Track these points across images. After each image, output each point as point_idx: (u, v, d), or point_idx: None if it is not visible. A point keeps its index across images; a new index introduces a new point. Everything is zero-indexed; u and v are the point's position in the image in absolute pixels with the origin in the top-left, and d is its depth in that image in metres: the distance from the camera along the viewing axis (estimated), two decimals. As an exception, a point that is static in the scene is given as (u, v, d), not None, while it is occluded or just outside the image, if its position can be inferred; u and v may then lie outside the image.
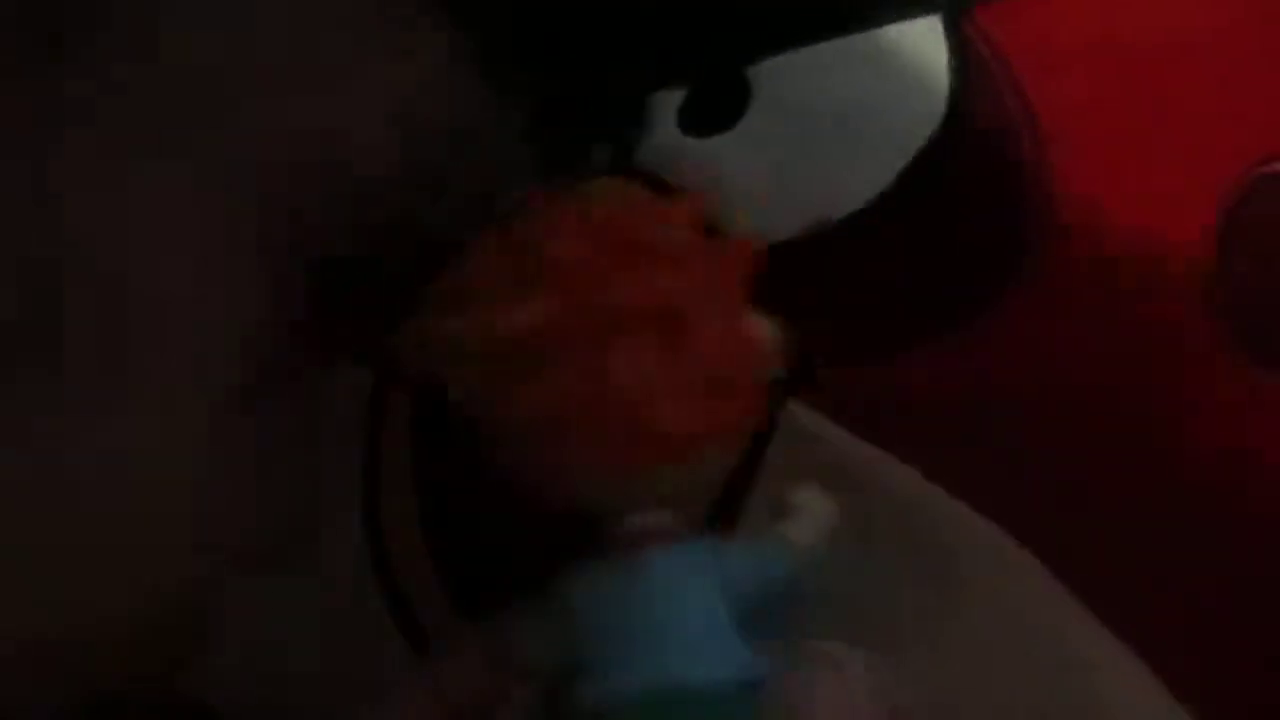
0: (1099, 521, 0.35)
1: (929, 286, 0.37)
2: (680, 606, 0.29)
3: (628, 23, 0.42)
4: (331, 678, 0.42)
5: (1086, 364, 0.36)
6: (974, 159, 0.38)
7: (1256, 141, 0.37)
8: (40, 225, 0.31)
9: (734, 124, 0.40)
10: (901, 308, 0.37)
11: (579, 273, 0.30)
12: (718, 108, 0.41)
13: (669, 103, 0.41)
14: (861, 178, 0.38)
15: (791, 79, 0.40)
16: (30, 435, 0.31)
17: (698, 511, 0.31)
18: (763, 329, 0.32)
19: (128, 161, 0.32)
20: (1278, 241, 0.36)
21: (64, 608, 0.32)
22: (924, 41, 0.39)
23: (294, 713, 0.43)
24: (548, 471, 0.30)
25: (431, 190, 0.35)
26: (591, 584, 0.30)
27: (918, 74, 0.39)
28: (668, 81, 0.42)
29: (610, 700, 0.29)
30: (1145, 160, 0.38)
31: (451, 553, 0.39)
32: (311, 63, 0.34)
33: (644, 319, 0.29)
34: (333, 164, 0.34)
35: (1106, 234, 0.37)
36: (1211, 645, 0.35)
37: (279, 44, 0.34)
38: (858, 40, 0.40)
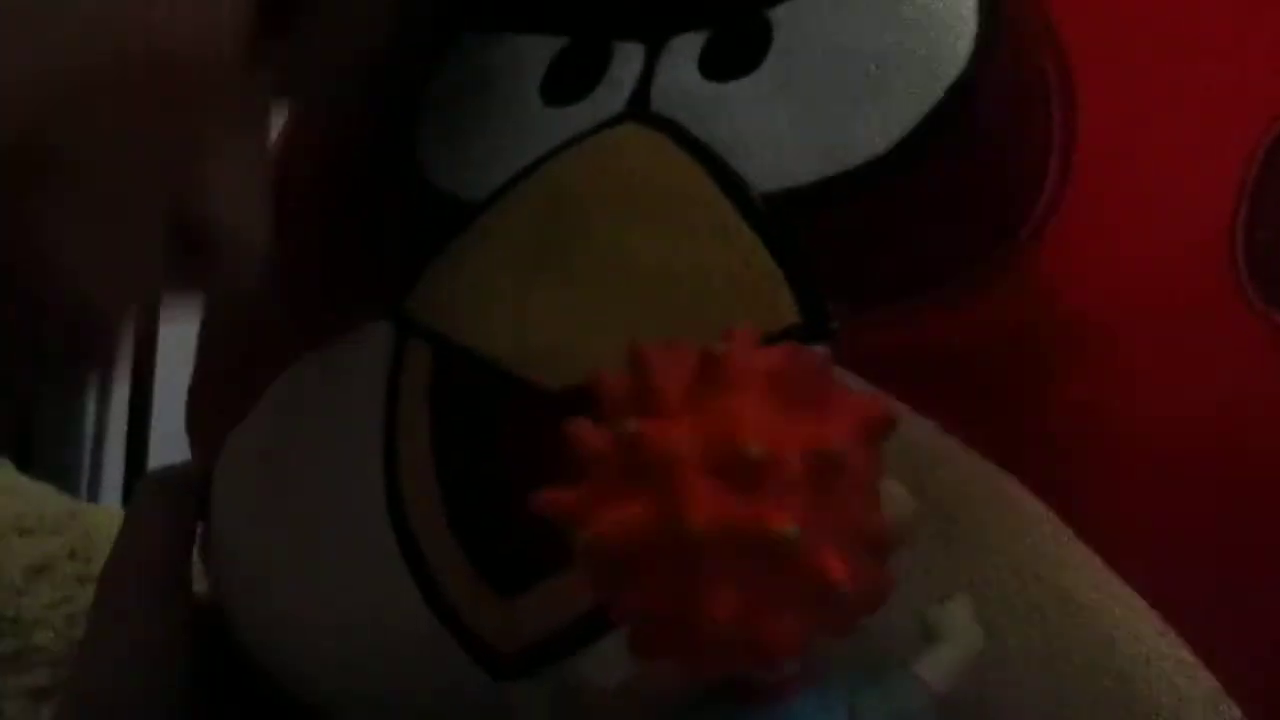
0: (1113, 472, 0.34)
1: (947, 236, 0.36)
2: None
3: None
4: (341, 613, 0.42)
5: (1106, 316, 0.35)
6: (998, 106, 0.37)
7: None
8: None
9: (754, 68, 0.40)
10: (919, 257, 0.36)
11: (673, 486, 0.27)
12: (738, 52, 0.40)
13: (691, 47, 0.41)
14: (883, 123, 0.37)
15: (812, 22, 0.39)
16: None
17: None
18: (894, 509, 0.29)
19: None
20: None
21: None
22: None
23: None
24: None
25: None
26: None
27: (943, 16, 0.38)
28: (688, 24, 0.41)
29: None
30: (1172, 108, 0.36)
31: (476, 523, 0.40)
32: None
33: (734, 546, 0.27)
34: None
35: (1129, 182, 0.36)
36: (1224, 594, 0.34)
37: None
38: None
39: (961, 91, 0.37)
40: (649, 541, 0.27)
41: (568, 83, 0.43)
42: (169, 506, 0.49)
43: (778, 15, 0.40)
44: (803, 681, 0.29)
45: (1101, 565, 0.33)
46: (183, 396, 0.90)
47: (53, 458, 1.07)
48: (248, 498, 0.46)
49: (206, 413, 0.52)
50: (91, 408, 1.07)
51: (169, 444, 0.95)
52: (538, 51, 0.44)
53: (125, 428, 0.96)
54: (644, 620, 0.29)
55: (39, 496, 0.62)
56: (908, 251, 0.36)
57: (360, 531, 0.41)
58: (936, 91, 0.37)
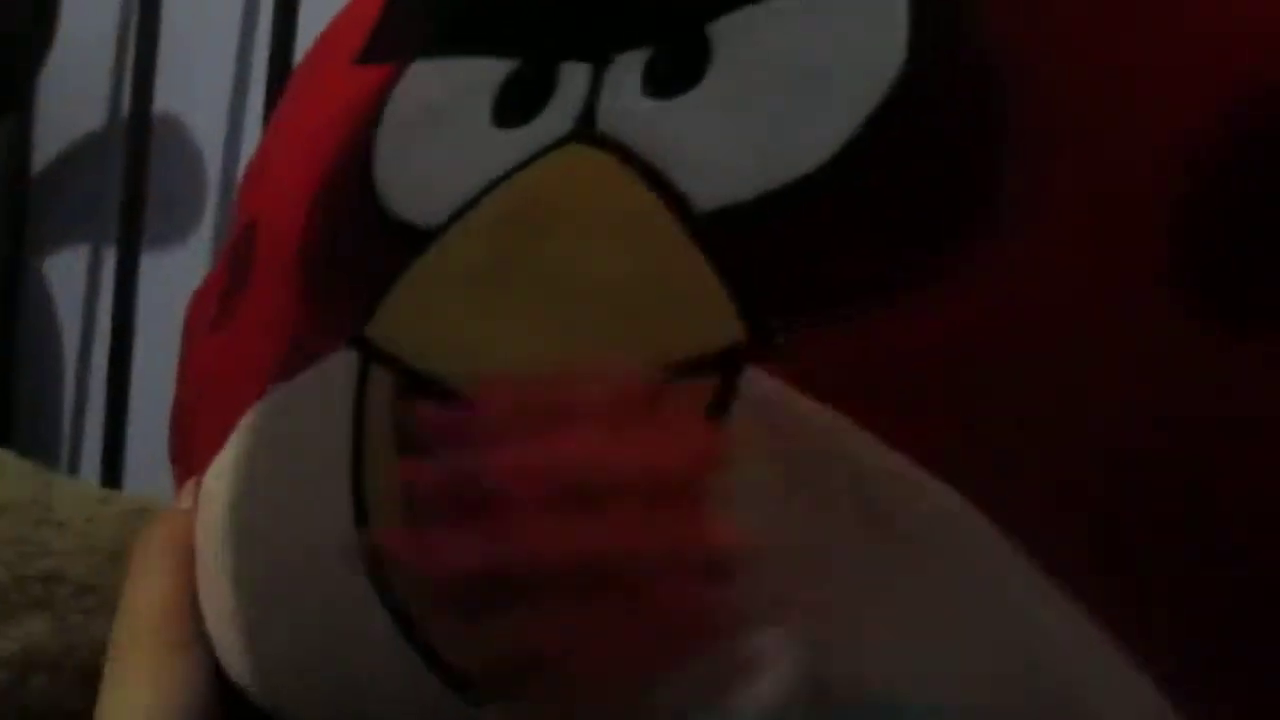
0: (1057, 485, 0.34)
1: (888, 244, 0.36)
2: None
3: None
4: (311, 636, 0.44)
5: (1050, 324, 0.35)
6: (933, 111, 0.37)
7: (1231, 87, 0.36)
8: None
9: (695, 83, 0.40)
10: (861, 267, 0.36)
11: (509, 520, 0.28)
12: (679, 68, 0.40)
13: (634, 65, 0.41)
14: (822, 133, 0.37)
15: (750, 35, 0.40)
16: None
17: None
18: (726, 531, 0.29)
19: None
20: (1251, 201, 0.34)
21: None
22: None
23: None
24: None
25: None
26: None
27: (876, 22, 0.38)
28: (630, 42, 0.42)
29: None
30: (1116, 105, 0.36)
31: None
32: None
33: (585, 575, 0.27)
34: None
35: (1069, 184, 0.35)
36: (1170, 610, 0.34)
37: None
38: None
39: (897, 97, 0.37)
40: (484, 575, 0.28)
41: (517, 105, 0.43)
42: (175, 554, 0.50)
43: (717, 30, 0.40)
44: None
45: (1047, 581, 0.34)
46: (162, 373, 0.91)
47: (31, 432, 1.08)
48: (223, 534, 0.47)
49: (185, 448, 0.53)
50: (70, 382, 1.08)
51: (148, 420, 0.96)
52: (487, 76, 0.44)
53: (104, 402, 0.97)
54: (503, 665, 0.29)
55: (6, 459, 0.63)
56: (849, 262, 0.36)
57: (327, 554, 0.42)
58: (874, 98, 0.37)
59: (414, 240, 0.43)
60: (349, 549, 0.41)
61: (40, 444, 1.07)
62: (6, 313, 1.06)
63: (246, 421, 0.46)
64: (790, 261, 0.37)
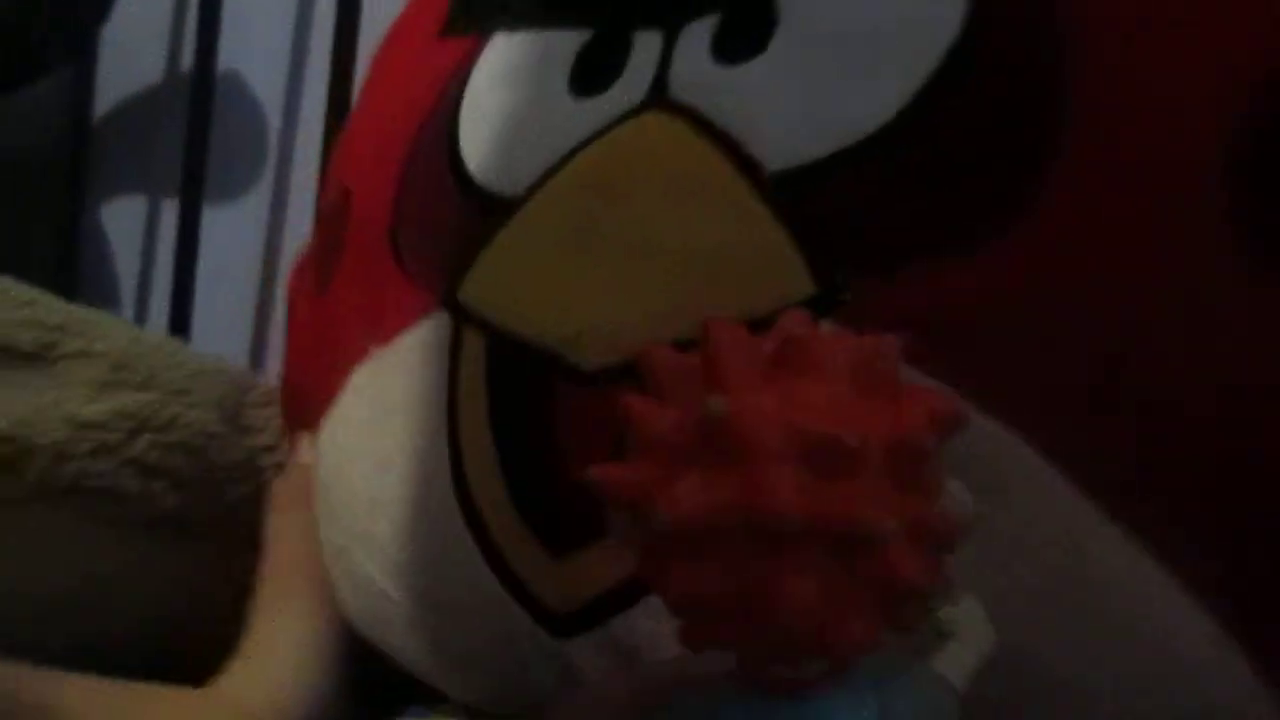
0: (1115, 438, 0.35)
1: (950, 201, 0.37)
2: None
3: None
4: (414, 576, 0.46)
5: (1105, 279, 0.36)
6: (993, 72, 0.38)
7: (1274, 43, 0.36)
8: None
9: (763, 49, 0.41)
10: (924, 223, 0.37)
11: (762, 470, 0.26)
12: (747, 34, 0.42)
13: (704, 32, 0.43)
14: (885, 94, 0.39)
15: (814, 0, 0.41)
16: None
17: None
18: (953, 497, 0.28)
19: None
20: None
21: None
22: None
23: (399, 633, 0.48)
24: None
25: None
26: (746, 714, 0.30)
27: None
28: (700, 10, 0.43)
29: None
30: (1169, 64, 0.37)
31: (530, 492, 0.43)
32: None
33: (822, 537, 0.26)
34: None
35: (1126, 142, 0.36)
36: (1227, 555, 0.35)
37: None
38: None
39: (957, 58, 0.38)
40: (731, 524, 0.26)
41: (593, 75, 0.45)
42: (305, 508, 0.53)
43: None
44: (832, 678, 0.29)
45: (1110, 523, 0.35)
46: (220, 327, 0.93)
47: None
48: (340, 484, 0.50)
49: (296, 411, 0.56)
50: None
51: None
52: (564, 46, 0.46)
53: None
54: (702, 607, 0.28)
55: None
56: (913, 219, 0.38)
57: (431, 505, 0.45)
58: (934, 59, 0.38)
59: (499, 208, 0.45)
60: (447, 497, 0.44)
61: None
62: (64, 261, 1.07)
63: (353, 382, 0.49)
64: (856, 220, 0.38)
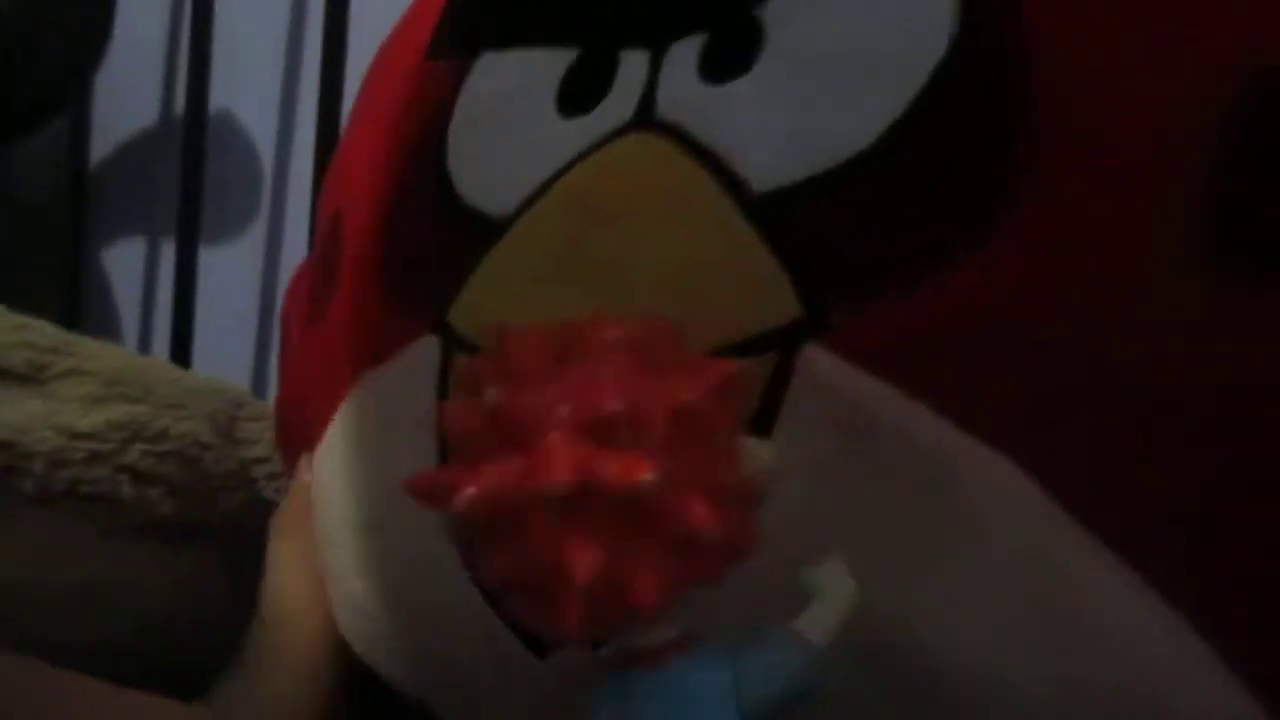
0: (1095, 446, 0.35)
1: (932, 220, 0.37)
2: (701, 716, 0.30)
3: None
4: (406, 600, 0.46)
5: (1086, 289, 0.35)
6: (974, 91, 0.38)
7: (1256, 40, 0.36)
8: None
9: (749, 69, 0.41)
10: (906, 243, 0.37)
11: (540, 448, 0.28)
12: (734, 53, 0.41)
13: (691, 52, 0.42)
14: (869, 115, 0.38)
15: (800, 19, 0.41)
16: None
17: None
18: (753, 459, 0.30)
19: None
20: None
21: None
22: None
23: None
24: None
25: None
26: (612, 697, 0.31)
27: (923, 4, 0.39)
28: (686, 28, 0.43)
29: None
30: (1144, 69, 0.36)
31: None
32: None
33: (601, 502, 0.27)
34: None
35: (1100, 151, 0.36)
36: (1202, 563, 0.35)
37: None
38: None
39: (943, 78, 0.38)
40: (514, 502, 0.28)
41: (580, 94, 0.45)
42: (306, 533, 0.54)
43: (767, 14, 0.41)
44: (686, 643, 0.30)
45: (1091, 539, 0.35)
46: (220, 364, 0.93)
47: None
48: (333, 509, 0.50)
49: (292, 436, 0.56)
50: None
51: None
52: (551, 66, 0.46)
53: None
54: (516, 584, 0.29)
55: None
56: (898, 239, 0.37)
57: (420, 526, 0.43)
58: (921, 80, 0.38)
59: (487, 229, 0.45)
60: (438, 524, 0.43)
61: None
62: (68, 305, 1.08)
63: (346, 407, 0.49)
64: (842, 240, 0.38)
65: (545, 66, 0.46)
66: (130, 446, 0.57)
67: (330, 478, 0.50)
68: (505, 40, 0.48)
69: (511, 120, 0.47)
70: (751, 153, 0.40)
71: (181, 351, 0.99)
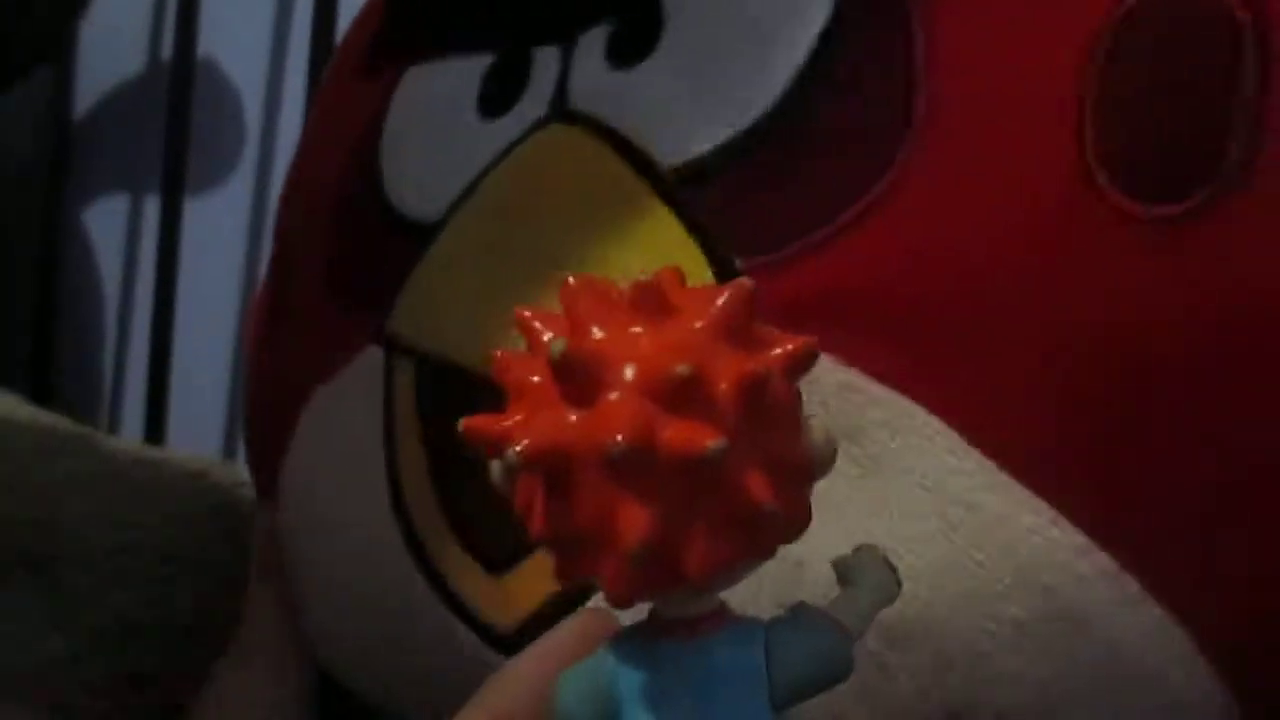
0: (1002, 386, 0.35)
1: (829, 178, 0.38)
2: (726, 694, 0.29)
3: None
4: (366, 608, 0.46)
5: (981, 238, 0.36)
6: (861, 49, 0.39)
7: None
8: None
9: (651, 50, 0.42)
10: (806, 201, 0.38)
11: (604, 403, 0.27)
12: (638, 38, 0.42)
13: (598, 42, 0.43)
14: (766, 80, 0.39)
15: None
16: None
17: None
18: (814, 440, 0.29)
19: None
20: (1156, 68, 0.36)
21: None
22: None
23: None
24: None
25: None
26: (638, 664, 0.30)
27: None
28: (592, 19, 0.44)
29: None
30: (1016, 19, 0.37)
31: (463, 510, 0.43)
32: None
33: (661, 464, 0.27)
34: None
35: (982, 95, 0.37)
36: (1116, 493, 0.35)
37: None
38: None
39: (826, 45, 0.39)
40: (573, 454, 0.27)
41: (498, 96, 0.46)
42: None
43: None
44: (720, 619, 0.29)
45: (996, 469, 0.35)
46: (204, 321, 0.92)
47: (72, 384, 1.09)
48: (299, 528, 0.51)
49: (257, 449, 0.57)
50: (112, 332, 1.09)
51: (190, 371, 0.97)
52: (470, 72, 0.47)
53: (147, 351, 0.98)
54: (564, 539, 0.28)
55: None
56: (790, 202, 0.38)
57: (374, 535, 0.45)
58: (806, 47, 0.39)
59: (421, 235, 0.46)
60: (389, 527, 0.45)
61: (81, 396, 1.08)
62: (47, 262, 1.07)
63: (302, 423, 0.50)
64: (745, 206, 0.39)
65: (465, 73, 0.47)
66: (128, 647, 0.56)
67: (293, 496, 0.51)
68: (426, 53, 0.50)
69: (436, 127, 0.48)
70: (658, 130, 0.41)
71: (163, 310, 0.98)
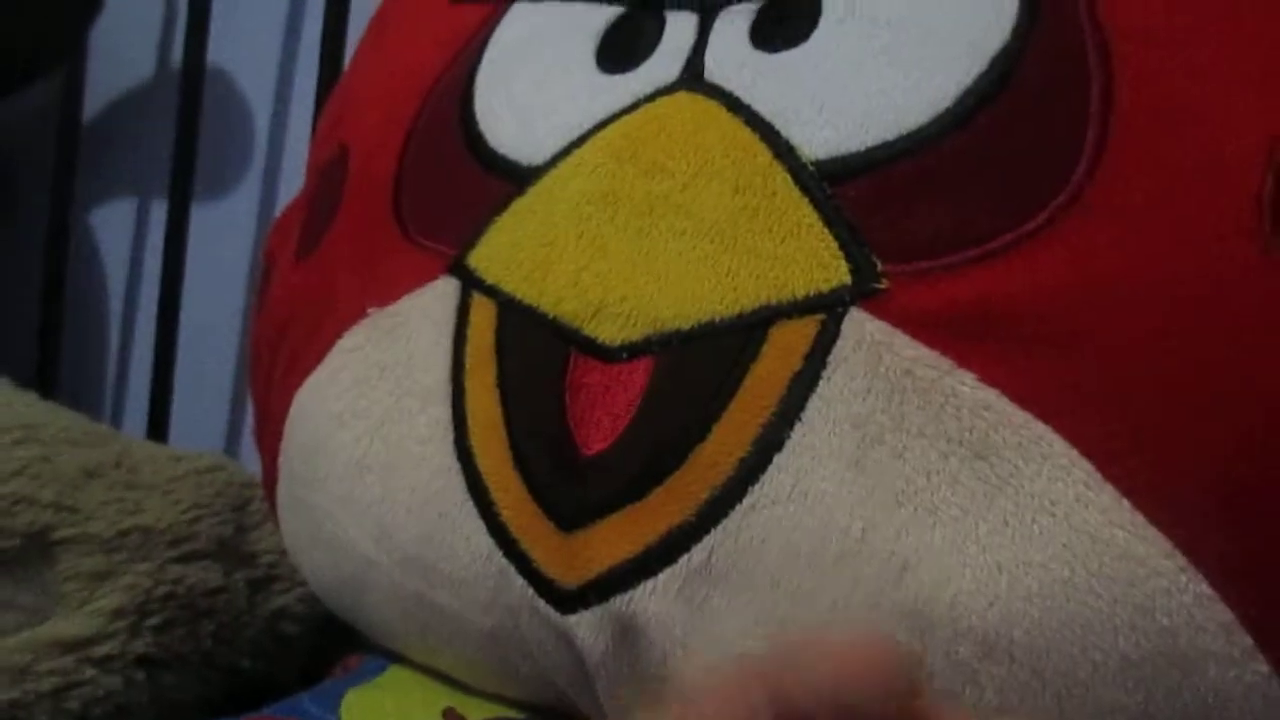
0: (1140, 425, 0.36)
1: (987, 199, 0.38)
2: None
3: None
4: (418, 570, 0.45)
5: (1141, 277, 0.36)
6: (1037, 77, 0.39)
7: None
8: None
9: (804, 39, 0.42)
10: (961, 219, 0.38)
11: None
12: (789, 23, 0.42)
13: (743, 18, 0.43)
14: (926, 93, 0.39)
15: None
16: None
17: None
18: None
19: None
20: None
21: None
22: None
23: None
24: None
25: None
26: None
27: None
28: None
29: None
30: (1205, 76, 0.38)
31: (540, 465, 0.42)
32: None
33: None
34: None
35: (1164, 149, 0.37)
36: (1247, 551, 0.36)
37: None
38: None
39: (1003, 63, 0.39)
40: None
41: (622, 51, 0.45)
42: None
43: None
44: None
45: (1130, 508, 0.35)
46: (208, 325, 0.92)
47: (76, 382, 1.08)
48: (325, 446, 0.49)
49: (267, 373, 0.54)
50: (115, 333, 1.08)
51: (193, 372, 0.97)
52: (592, 19, 0.46)
53: (151, 353, 0.97)
54: None
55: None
56: (950, 214, 0.38)
57: (428, 469, 0.44)
58: (979, 63, 0.39)
59: (515, 175, 0.45)
60: (447, 463, 0.43)
61: (85, 394, 1.07)
62: (54, 264, 1.06)
63: (344, 343, 0.48)
64: (896, 211, 0.39)
65: (583, 19, 0.46)
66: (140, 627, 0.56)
67: (319, 416, 0.49)
68: None
69: (547, 71, 0.46)
70: (805, 119, 0.40)
71: (168, 314, 0.97)
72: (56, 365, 1.05)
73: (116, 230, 1.08)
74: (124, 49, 1.06)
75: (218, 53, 0.98)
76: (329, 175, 0.53)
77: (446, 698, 0.47)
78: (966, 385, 0.37)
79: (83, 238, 1.09)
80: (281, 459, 0.52)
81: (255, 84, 1.00)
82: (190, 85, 0.96)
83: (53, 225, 1.05)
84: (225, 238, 0.99)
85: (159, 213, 1.00)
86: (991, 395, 0.36)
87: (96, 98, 1.07)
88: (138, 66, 1.06)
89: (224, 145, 0.99)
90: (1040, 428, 0.36)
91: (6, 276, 1.06)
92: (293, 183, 0.87)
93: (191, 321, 0.97)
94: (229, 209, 1.00)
